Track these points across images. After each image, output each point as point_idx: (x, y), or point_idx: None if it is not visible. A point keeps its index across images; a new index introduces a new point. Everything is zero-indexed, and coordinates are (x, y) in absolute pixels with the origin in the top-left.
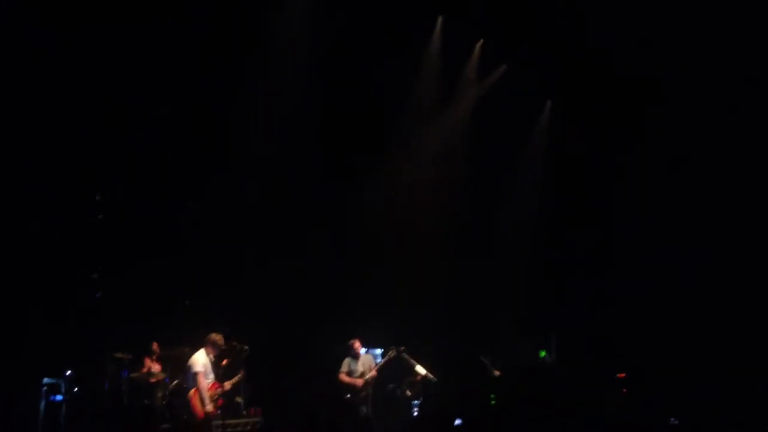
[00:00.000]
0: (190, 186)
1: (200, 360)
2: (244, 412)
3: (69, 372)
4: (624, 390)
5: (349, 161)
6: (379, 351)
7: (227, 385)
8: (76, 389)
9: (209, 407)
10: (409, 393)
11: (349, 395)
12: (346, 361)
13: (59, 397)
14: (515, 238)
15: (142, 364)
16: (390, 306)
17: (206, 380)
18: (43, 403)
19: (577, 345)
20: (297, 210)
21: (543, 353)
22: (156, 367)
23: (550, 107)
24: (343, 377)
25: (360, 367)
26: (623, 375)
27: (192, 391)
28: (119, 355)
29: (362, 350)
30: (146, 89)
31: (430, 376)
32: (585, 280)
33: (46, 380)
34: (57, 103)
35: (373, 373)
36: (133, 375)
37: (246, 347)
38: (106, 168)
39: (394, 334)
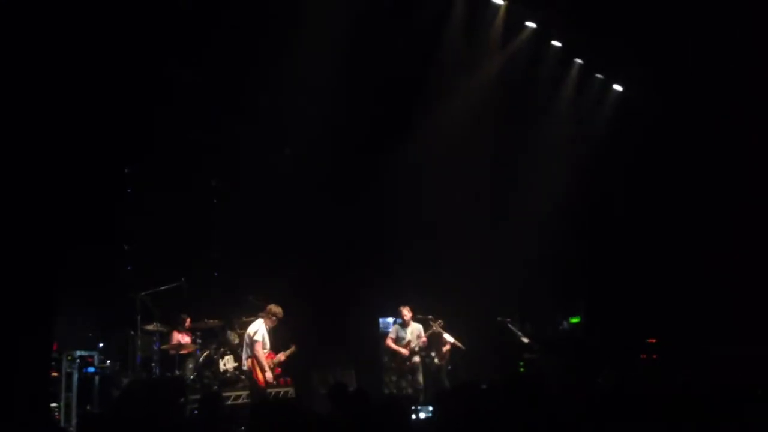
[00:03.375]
0: (219, 159)
1: (260, 330)
2: (275, 382)
3: (101, 345)
4: (654, 356)
5: (376, 132)
6: (391, 320)
7: (282, 356)
8: (108, 362)
9: (268, 374)
10: (437, 361)
11: (394, 364)
12: (395, 327)
13: (92, 370)
14: (544, 202)
15: (172, 337)
16: (421, 275)
17: (264, 350)
18: (76, 376)
19: (607, 311)
20: (332, 182)
21: (575, 319)
22: (186, 340)
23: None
24: (390, 343)
25: (408, 335)
26: (654, 341)
27: (251, 360)
28: (151, 327)
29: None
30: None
31: (459, 344)
32: (616, 244)
33: (79, 353)
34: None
35: (424, 339)
36: (164, 347)
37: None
38: (132, 141)
39: (425, 303)
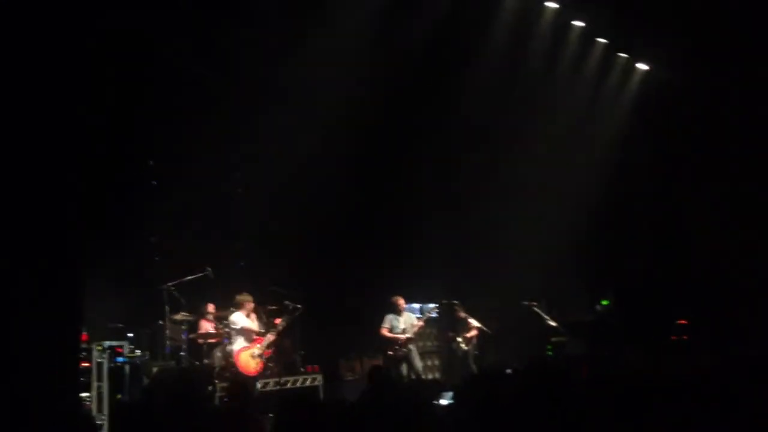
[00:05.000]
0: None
1: (238, 321)
2: (302, 369)
3: (131, 335)
4: (685, 337)
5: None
6: (416, 306)
7: (271, 336)
8: (138, 351)
9: (253, 364)
10: (464, 347)
11: (390, 352)
12: (389, 317)
13: (122, 359)
14: (570, 183)
15: (200, 326)
16: (446, 259)
17: (247, 340)
18: (107, 366)
19: (637, 292)
20: (353, 169)
21: (605, 302)
22: (212, 329)
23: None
24: (385, 332)
25: (402, 324)
26: (684, 322)
27: (237, 350)
28: (179, 316)
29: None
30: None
31: (484, 328)
32: (645, 225)
33: (108, 343)
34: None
35: (422, 323)
36: (192, 336)
37: (299, 306)
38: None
39: (448, 287)
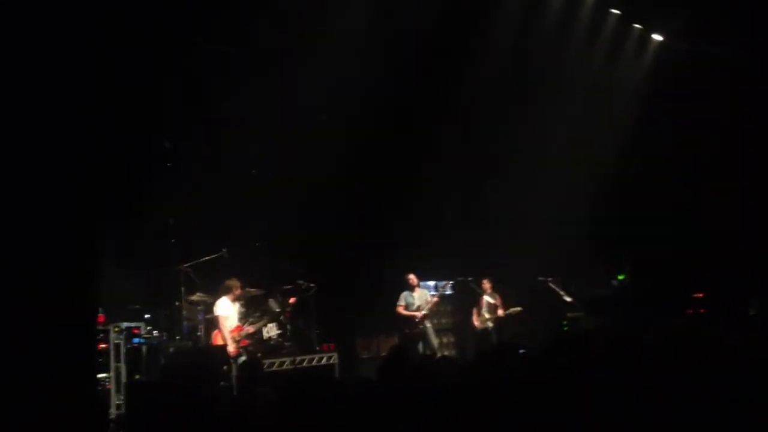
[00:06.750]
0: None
1: (221, 305)
2: (317, 348)
3: (147, 316)
4: (702, 310)
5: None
6: (431, 283)
7: (251, 328)
8: (155, 332)
9: (231, 347)
10: (490, 324)
11: (407, 329)
12: (403, 294)
13: (139, 340)
14: (583, 157)
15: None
16: (461, 236)
17: (227, 323)
18: (124, 347)
19: (653, 266)
20: (366, 151)
21: (622, 276)
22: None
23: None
24: (401, 310)
25: (417, 300)
26: (702, 295)
27: (214, 333)
28: (195, 297)
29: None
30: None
31: (515, 309)
32: (660, 198)
33: (125, 324)
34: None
35: (436, 299)
36: (209, 316)
37: (312, 285)
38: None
39: (464, 265)
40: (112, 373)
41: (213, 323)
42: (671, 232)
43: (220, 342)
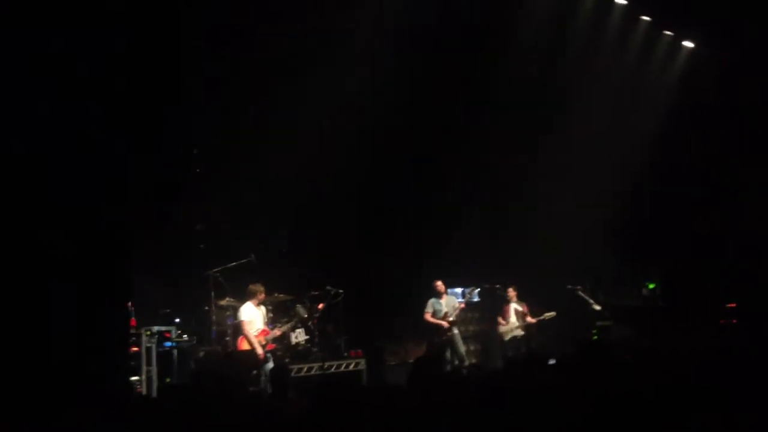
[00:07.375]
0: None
1: (245, 311)
2: (345, 354)
3: (178, 320)
4: (734, 321)
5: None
6: (459, 290)
7: (278, 331)
8: (185, 336)
9: (259, 350)
10: (520, 332)
11: (435, 338)
12: (431, 301)
13: (170, 344)
14: (614, 164)
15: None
16: (489, 243)
17: (253, 329)
18: (155, 350)
19: (685, 275)
20: (392, 158)
21: (651, 285)
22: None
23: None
24: (429, 318)
25: (444, 307)
26: (734, 305)
27: (240, 338)
28: (224, 302)
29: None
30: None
31: (528, 314)
32: (692, 206)
33: (157, 328)
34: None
35: (463, 305)
36: (236, 322)
37: (341, 291)
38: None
39: (492, 272)
40: (143, 377)
41: (239, 328)
42: (702, 240)
43: (246, 347)
